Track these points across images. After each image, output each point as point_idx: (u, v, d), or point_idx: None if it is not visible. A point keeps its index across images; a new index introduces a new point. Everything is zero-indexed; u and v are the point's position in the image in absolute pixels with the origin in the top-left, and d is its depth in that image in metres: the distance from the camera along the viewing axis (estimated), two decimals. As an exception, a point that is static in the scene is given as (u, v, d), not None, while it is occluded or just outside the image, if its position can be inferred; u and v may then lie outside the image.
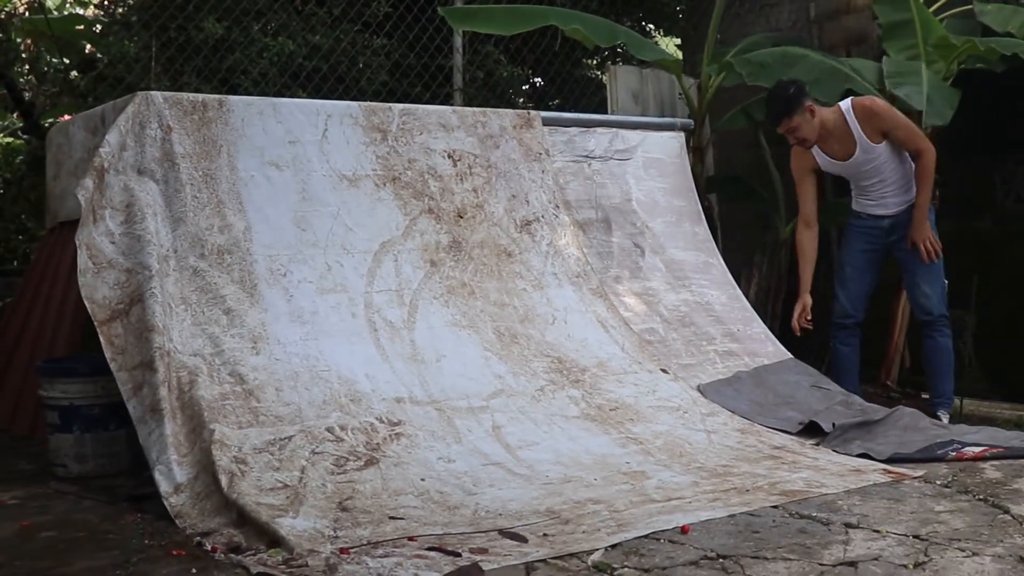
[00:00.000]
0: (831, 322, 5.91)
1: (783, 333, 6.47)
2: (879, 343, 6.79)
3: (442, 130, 5.47)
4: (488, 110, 5.81)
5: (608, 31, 6.50)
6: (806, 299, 5.77)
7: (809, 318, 5.75)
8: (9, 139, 9.90)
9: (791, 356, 6.03)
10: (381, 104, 5.44)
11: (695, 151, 6.93)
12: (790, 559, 3.27)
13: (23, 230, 8.92)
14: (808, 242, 5.85)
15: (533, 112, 5.96)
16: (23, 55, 9.45)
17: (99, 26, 8.88)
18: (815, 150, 5.65)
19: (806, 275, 5.83)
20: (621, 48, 8.60)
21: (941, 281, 5.69)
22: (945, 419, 5.49)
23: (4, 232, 8.78)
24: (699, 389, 5.34)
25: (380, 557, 3.28)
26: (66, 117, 7.14)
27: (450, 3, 7.20)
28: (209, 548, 3.40)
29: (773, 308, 7.35)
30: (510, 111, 5.98)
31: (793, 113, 5.47)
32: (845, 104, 5.58)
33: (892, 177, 5.61)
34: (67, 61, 9.06)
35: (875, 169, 5.59)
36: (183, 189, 4.60)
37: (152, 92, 4.76)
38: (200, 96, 4.89)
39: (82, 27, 9.14)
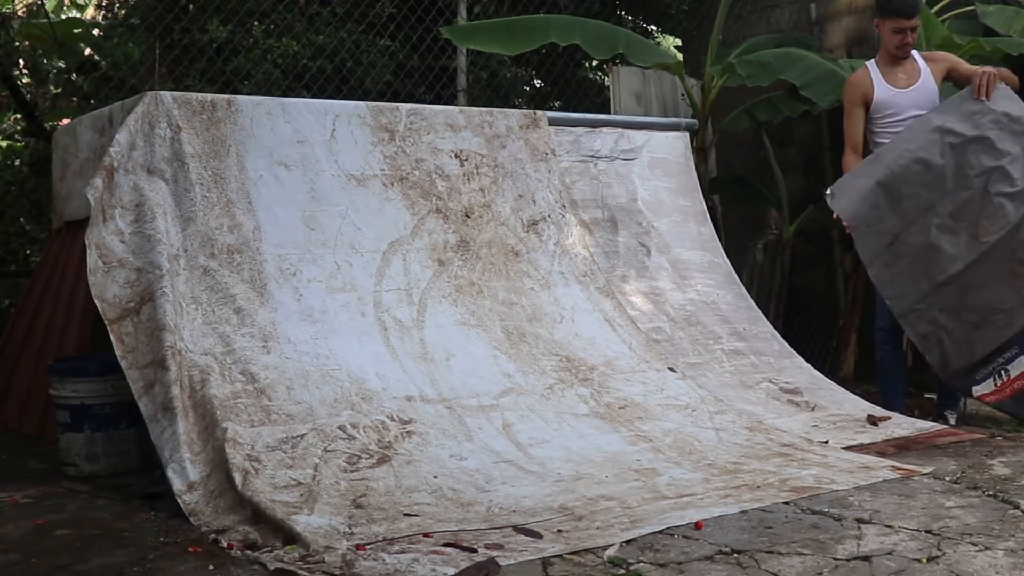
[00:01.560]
0: (877, 327, 5.84)
1: (786, 333, 6.50)
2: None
3: (449, 130, 5.49)
4: (495, 110, 5.83)
5: (609, 41, 6.46)
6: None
7: None
8: (8, 141, 9.89)
9: None
10: (389, 104, 5.46)
11: (698, 151, 6.95)
12: (804, 553, 3.29)
13: (23, 233, 8.90)
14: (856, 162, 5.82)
15: (539, 112, 5.98)
16: (22, 57, 9.44)
17: (98, 30, 8.86)
18: (876, 77, 5.70)
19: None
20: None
21: None
22: (952, 420, 5.57)
23: (5, 235, 8.76)
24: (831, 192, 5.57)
25: (396, 553, 3.29)
26: (64, 121, 7.14)
27: (452, 22, 7.20)
28: (225, 545, 3.42)
29: (776, 308, 7.38)
30: (517, 111, 6.01)
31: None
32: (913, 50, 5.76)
33: None
34: (63, 64, 9.05)
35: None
36: (193, 188, 4.61)
37: (161, 92, 4.77)
38: (209, 96, 4.91)
39: (79, 30, 9.13)
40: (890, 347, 5.77)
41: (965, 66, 5.71)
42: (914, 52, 5.73)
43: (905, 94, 5.67)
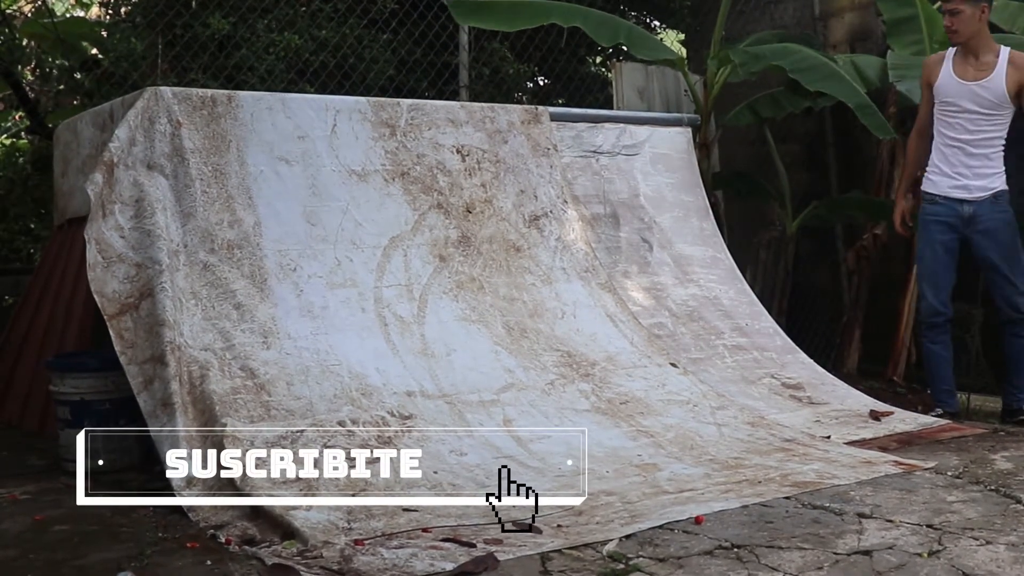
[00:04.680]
0: (918, 321, 5.74)
1: (790, 329, 6.48)
2: (885, 340, 6.81)
3: (450, 125, 5.48)
4: (496, 105, 5.81)
5: (611, 29, 6.46)
6: (901, 203, 5.69)
7: (910, 224, 5.67)
8: (12, 139, 9.90)
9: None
10: (390, 99, 5.44)
11: (701, 147, 6.93)
12: (805, 548, 3.27)
13: (26, 231, 8.91)
14: (917, 147, 5.67)
15: (541, 107, 5.97)
16: (27, 54, 9.44)
17: (104, 31, 8.86)
18: (947, 62, 5.47)
19: (906, 177, 5.72)
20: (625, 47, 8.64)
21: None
22: None
23: (9, 232, 8.77)
24: None
25: (395, 548, 3.28)
26: (68, 120, 7.14)
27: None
28: (223, 540, 3.41)
29: (779, 304, 7.37)
30: (518, 107, 5.99)
31: None
32: (1006, 48, 5.45)
33: (988, 148, 5.43)
34: (67, 63, 9.06)
35: (984, 119, 5.40)
36: (193, 184, 4.60)
37: (161, 87, 4.76)
38: (209, 91, 4.90)
39: (84, 30, 9.12)
40: (929, 341, 5.66)
41: None
42: (1005, 50, 5.42)
43: (967, 87, 5.39)
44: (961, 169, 5.45)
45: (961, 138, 5.45)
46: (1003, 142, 5.45)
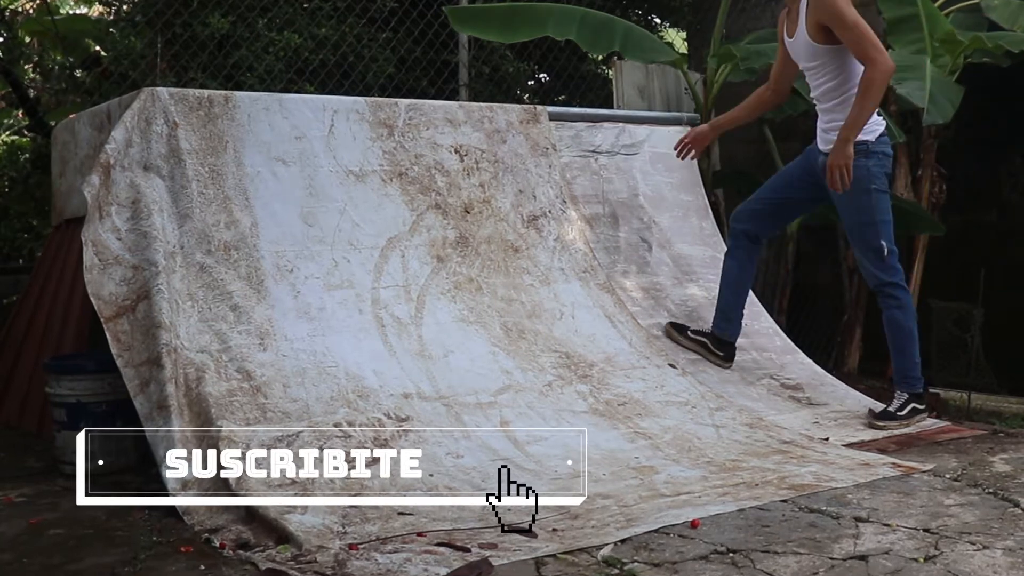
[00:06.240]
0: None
1: (790, 328, 6.46)
2: (883, 340, 6.78)
3: (448, 125, 5.47)
4: (495, 105, 5.80)
5: (607, 36, 6.37)
6: (702, 127, 5.73)
7: (689, 145, 5.68)
8: (14, 137, 9.91)
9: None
10: (387, 100, 5.43)
11: (701, 146, 6.90)
12: (800, 553, 3.26)
13: (28, 229, 8.91)
14: (756, 97, 5.60)
15: (540, 107, 5.96)
16: (27, 52, 9.44)
17: (107, 29, 8.86)
18: (784, 21, 5.24)
19: (729, 114, 5.71)
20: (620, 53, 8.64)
21: (875, 244, 5.06)
22: (895, 403, 5.15)
23: (10, 231, 8.77)
24: None
25: (389, 553, 3.27)
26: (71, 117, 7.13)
27: (455, 2, 7.19)
28: (217, 544, 3.40)
29: (779, 303, 7.34)
30: (517, 106, 5.97)
31: None
32: None
33: (831, 100, 5.10)
34: (70, 61, 9.06)
35: (815, 72, 5.10)
36: (189, 185, 4.59)
37: (158, 88, 4.75)
38: (206, 92, 4.89)
39: (86, 28, 9.13)
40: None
41: (849, 35, 4.83)
42: None
43: (791, 45, 5.18)
44: (821, 123, 5.21)
45: (813, 96, 5.23)
46: (853, 88, 4.96)
